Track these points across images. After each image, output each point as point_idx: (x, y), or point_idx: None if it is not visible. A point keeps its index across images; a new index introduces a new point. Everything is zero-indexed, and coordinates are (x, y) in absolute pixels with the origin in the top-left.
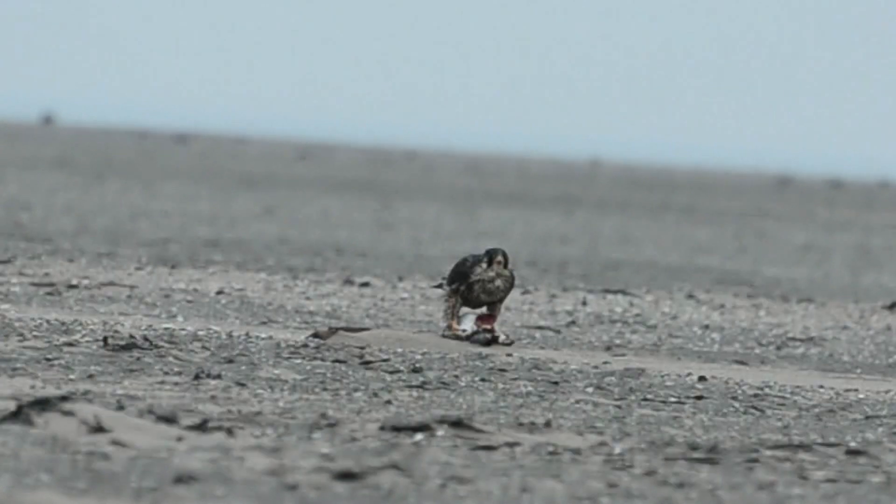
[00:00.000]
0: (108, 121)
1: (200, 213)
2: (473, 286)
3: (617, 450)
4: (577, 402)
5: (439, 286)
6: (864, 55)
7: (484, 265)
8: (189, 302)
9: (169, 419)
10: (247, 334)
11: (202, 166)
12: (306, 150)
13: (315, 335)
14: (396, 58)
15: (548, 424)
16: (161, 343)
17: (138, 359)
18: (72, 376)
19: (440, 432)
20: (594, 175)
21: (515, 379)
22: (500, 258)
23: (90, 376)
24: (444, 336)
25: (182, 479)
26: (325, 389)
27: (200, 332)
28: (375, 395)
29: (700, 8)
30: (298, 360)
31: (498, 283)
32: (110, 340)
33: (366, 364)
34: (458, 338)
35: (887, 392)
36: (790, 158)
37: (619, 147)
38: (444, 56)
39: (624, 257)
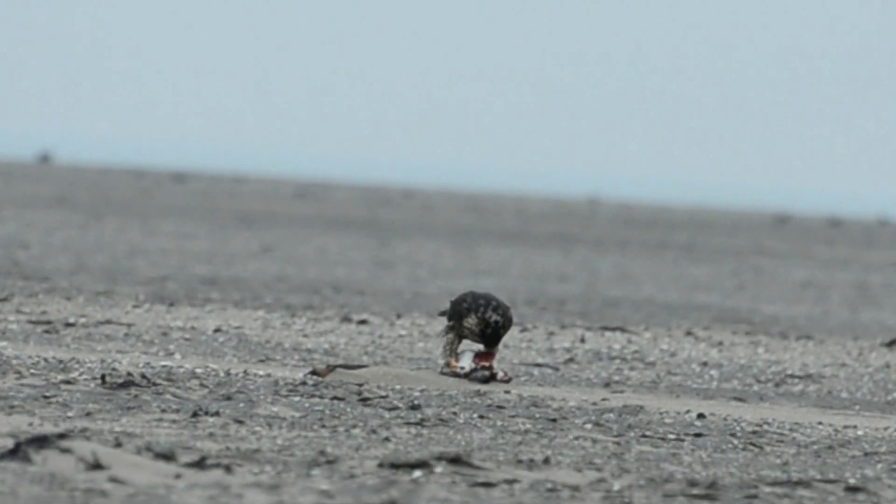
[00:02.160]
0: (106, 159)
1: (198, 251)
2: (464, 328)
3: (616, 486)
4: (576, 438)
5: (444, 314)
6: (863, 93)
7: (474, 318)
8: (187, 340)
9: (167, 456)
10: (245, 372)
11: (200, 205)
12: (304, 188)
13: (313, 372)
14: (395, 96)
15: (546, 461)
16: (159, 380)
17: (136, 396)
18: (69, 414)
19: (439, 469)
20: (593, 213)
21: (514, 416)
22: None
23: (88, 414)
24: (442, 373)
25: None
26: (323, 426)
27: (198, 370)
28: (374, 431)
29: (696, 48)
30: (297, 398)
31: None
32: (108, 378)
33: (364, 401)
34: (456, 375)
35: (886, 429)
36: (789, 196)
37: (618, 185)
38: (441, 94)
39: (622, 295)
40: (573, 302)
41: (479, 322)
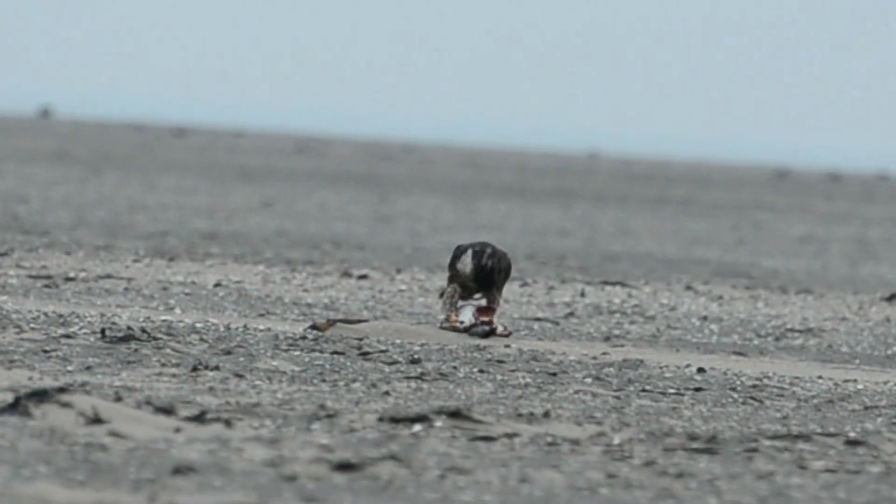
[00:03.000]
0: (106, 114)
1: (198, 206)
2: (458, 271)
3: (616, 440)
4: (576, 392)
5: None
6: (862, 48)
7: (469, 260)
8: (187, 294)
9: (167, 410)
10: (245, 326)
11: (200, 159)
12: (304, 143)
13: (313, 327)
14: (395, 51)
15: (546, 415)
16: (159, 335)
17: (136, 350)
18: (69, 368)
19: (439, 423)
20: (592, 168)
21: (514, 370)
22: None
23: (88, 368)
24: (441, 328)
25: (180, 470)
26: (323, 381)
27: (198, 324)
28: (374, 386)
29: (698, 1)
30: (297, 352)
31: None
32: (108, 332)
33: (364, 355)
34: (455, 329)
35: (886, 383)
36: (788, 151)
37: (617, 140)
38: (441, 49)
39: (622, 249)
40: (573, 256)
41: (475, 268)
